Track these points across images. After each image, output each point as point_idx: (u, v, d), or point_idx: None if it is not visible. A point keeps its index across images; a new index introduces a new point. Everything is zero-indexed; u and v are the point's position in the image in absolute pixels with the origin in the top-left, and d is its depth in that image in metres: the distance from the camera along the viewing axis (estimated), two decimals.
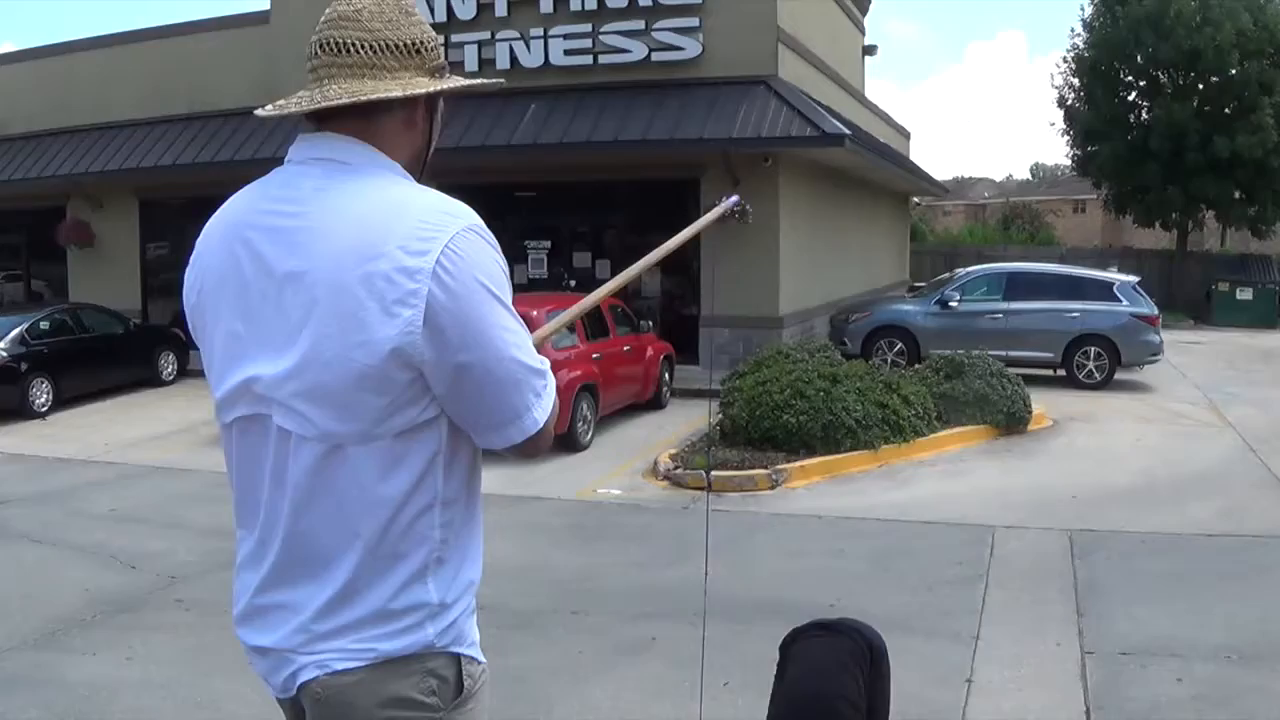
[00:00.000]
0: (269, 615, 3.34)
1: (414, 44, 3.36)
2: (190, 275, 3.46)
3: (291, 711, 3.46)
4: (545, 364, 3.34)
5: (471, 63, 29.60)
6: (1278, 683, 9.61)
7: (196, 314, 3.45)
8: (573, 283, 29.79)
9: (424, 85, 3.34)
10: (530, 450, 3.38)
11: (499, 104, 28.81)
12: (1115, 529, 14.62)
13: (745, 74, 28.14)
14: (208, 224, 3.46)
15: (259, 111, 3.48)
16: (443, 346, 3.08)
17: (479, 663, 3.48)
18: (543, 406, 3.31)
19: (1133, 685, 9.51)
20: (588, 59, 29.28)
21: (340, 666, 3.22)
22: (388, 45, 3.31)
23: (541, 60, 29.64)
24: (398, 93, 3.26)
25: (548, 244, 31.25)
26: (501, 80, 3.75)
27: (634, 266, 4.73)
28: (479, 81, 3.64)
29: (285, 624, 3.29)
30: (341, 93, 3.23)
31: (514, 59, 29.82)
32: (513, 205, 30.03)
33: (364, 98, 3.21)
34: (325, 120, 3.32)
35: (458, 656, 3.38)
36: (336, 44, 3.28)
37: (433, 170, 3.57)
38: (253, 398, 3.25)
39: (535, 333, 3.71)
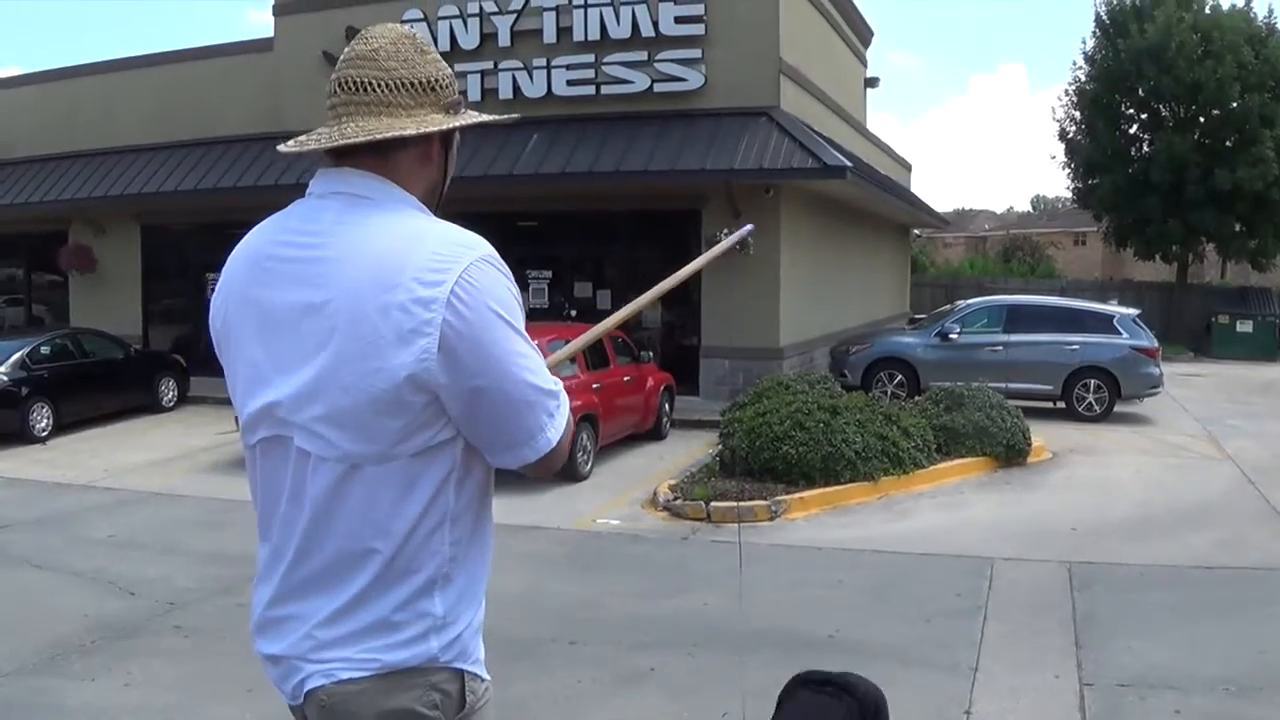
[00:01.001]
0: (282, 625, 3.43)
1: (429, 82, 3.47)
2: (216, 301, 3.57)
3: (301, 719, 3.53)
4: (558, 385, 3.42)
5: (474, 92, 29.65)
6: (1275, 715, 9.62)
7: (221, 339, 3.56)
8: (574, 312, 29.82)
9: (438, 122, 3.46)
10: (543, 469, 3.47)
11: (502, 134, 28.77)
12: (1114, 561, 14.63)
13: (747, 105, 28.20)
14: (233, 252, 3.57)
15: (280, 148, 3.63)
16: (457, 372, 3.18)
17: (482, 680, 3.55)
18: (555, 426, 3.39)
19: (1131, 717, 9.52)
20: (590, 89, 29.35)
21: (345, 675, 3.30)
22: (403, 84, 3.42)
23: (544, 90, 29.72)
24: (412, 131, 3.37)
25: (549, 274, 31.26)
26: (516, 115, 3.84)
27: (647, 294, 4.80)
28: (492, 117, 3.75)
29: (294, 632, 3.38)
30: (359, 131, 3.35)
31: (517, 89, 29.91)
32: (515, 235, 30.03)
33: (380, 136, 3.33)
34: (344, 156, 3.43)
35: (461, 672, 3.45)
36: (355, 83, 3.42)
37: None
38: (274, 421, 3.36)
39: (551, 358, 3.82)
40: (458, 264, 3.19)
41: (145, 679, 10.23)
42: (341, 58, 3.50)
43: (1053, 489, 19.76)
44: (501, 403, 3.27)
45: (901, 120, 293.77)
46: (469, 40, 30.30)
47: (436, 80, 3.49)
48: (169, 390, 29.55)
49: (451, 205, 3.64)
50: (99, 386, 27.21)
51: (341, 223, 3.31)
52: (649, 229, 30.33)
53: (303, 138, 3.49)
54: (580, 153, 28.05)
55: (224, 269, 3.57)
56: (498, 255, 3.32)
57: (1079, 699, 9.88)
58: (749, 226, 5.41)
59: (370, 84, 3.40)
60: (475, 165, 28.10)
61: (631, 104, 29.06)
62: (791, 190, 28.86)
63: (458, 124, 3.52)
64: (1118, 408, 28.35)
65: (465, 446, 3.37)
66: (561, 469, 12.30)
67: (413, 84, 3.44)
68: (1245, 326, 49.52)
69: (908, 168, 52.35)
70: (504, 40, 30.16)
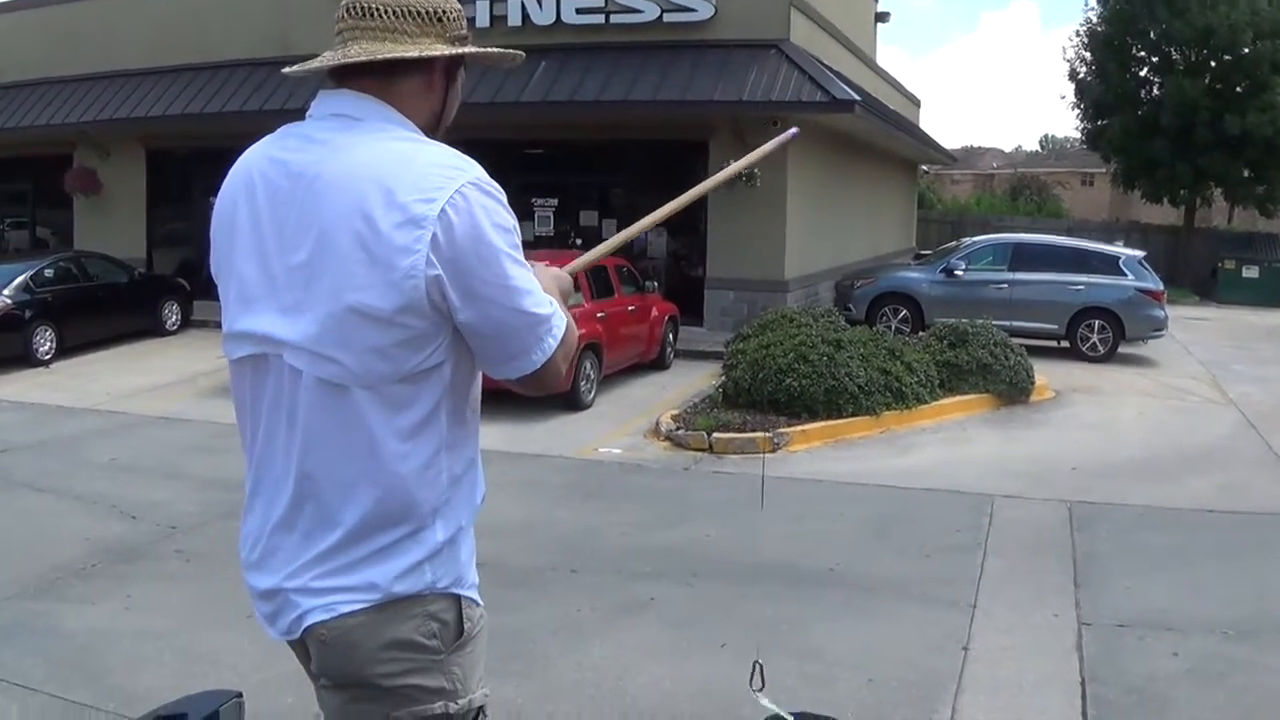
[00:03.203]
0: (275, 556, 3.43)
1: (436, 12, 3.50)
2: (214, 218, 3.59)
3: (300, 652, 3.56)
4: (552, 307, 3.42)
5: (483, 19, 29.53)
6: (1273, 658, 9.61)
7: (216, 254, 3.58)
8: (579, 240, 29.81)
9: (441, 50, 3.48)
10: (537, 386, 3.47)
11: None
12: (1115, 502, 14.63)
13: (757, 37, 28.08)
14: (231, 169, 3.59)
15: (286, 70, 3.71)
16: (447, 293, 3.20)
17: (478, 605, 3.59)
18: (543, 349, 3.38)
19: (1129, 658, 9.51)
20: (600, 18, 29.17)
21: (346, 609, 3.31)
22: (410, 11, 3.45)
23: (553, 18, 29.55)
24: (414, 54, 3.40)
25: (555, 202, 31.24)
26: (521, 54, 3.84)
27: (682, 197, 4.74)
28: (496, 51, 3.78)
29: (289, 564, 3.39)
30: (360, 53, 3.40)
31: (526, 16, 29.75)
32: (521, 162, 30.01)
33: (381, 56, 3.38)
34: (346, 79, 3.47)
35: (458, 598, 3.48)
36: (362, 8, 3.45)
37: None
38: (261, 339, 3.38)
39: (573, 263, 4.03)
40: (449, 184, 3.21)
41: (145, 603, 10.23)
42: None
43: (1055, 428, 19.78)
44: (490, 324, 3.29)
45: (911, 55, 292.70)
46: None
47: (444, 11, 3.52)
48: (172, 314, 29.57)
49: (458, 131, 3.64)
50: (102, 310, 27.21)
51: (334, 144, 3.33)
52: (655, 159, 30.26)
53: (309, 62, 3.52)
54: (588, 81, 27.95)
55: (222, 185, 3.58)
56: (490, 178, 3.34)
57: (1077, 638, 9.87)
58: (794, 130, 5.33)
59: (377, 9, 3.43)
60: (482, 91, 28.04)
61: (640, 34, 28.90)
62: (799, 123, 28.51)
63: (461, 51, 3.54)
64: (1121, 349, 28.33)
65: (455, 374, 3.40)
66: (565, 398, 12.36)
67: (419, 12, 3.47)
68: (1251, 272, 49.47)
69: (917, 104, 52.18)
70: None
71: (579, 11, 29.46)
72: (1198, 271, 52.33)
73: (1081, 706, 8.55)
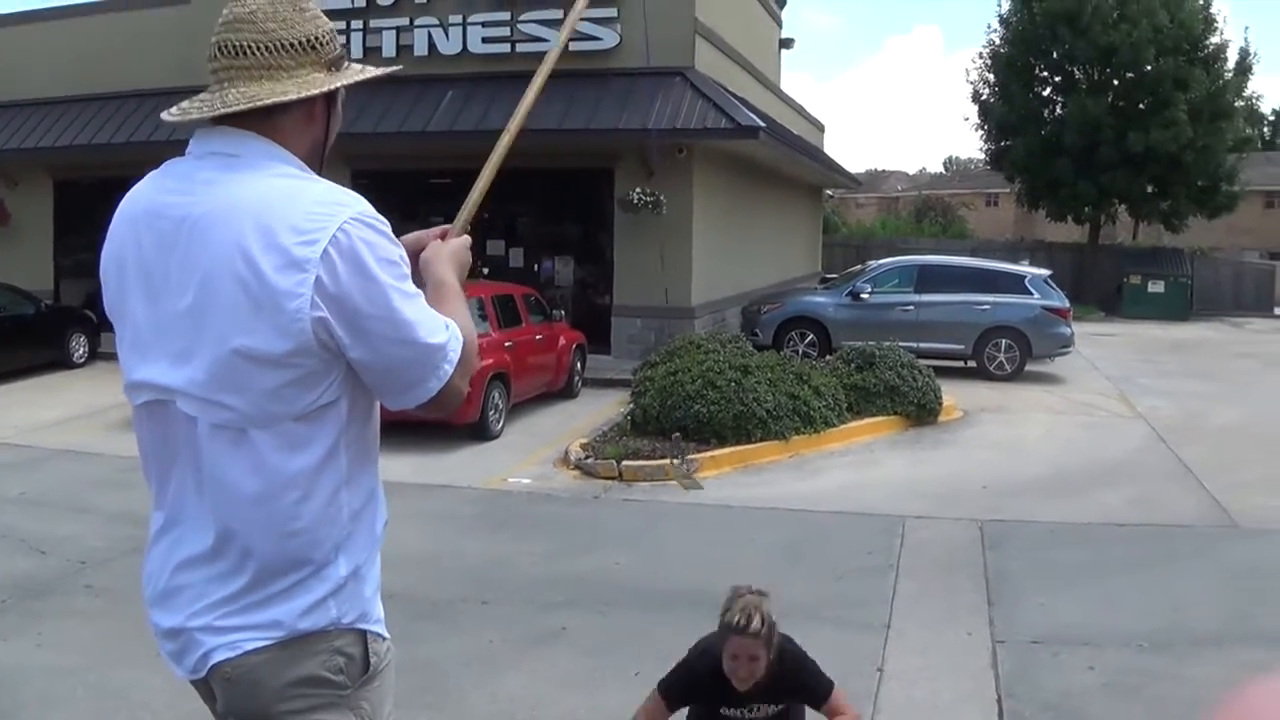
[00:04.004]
0: (179, 595, 3.38)
1: (309, 40, 3.46)
2: (103, 260, 3.52)
3: (204, 693, 3.50)
4: (447, 331, 3.38)
5: (389, 49, 29.59)
6: (1190, 669, 9.65)
7: (108, 297, 3.53)
8: (485, 270, 29.70)
9: (320, 83, 3.45)
10: (437, 408, 3.45)
11: (416, 91, 28.76)
12: (1026, 519, 14.70)
13: (662, 65, 28.09)
14: (117, 210, 3.52)
15: (164, 115, 3.56)
16: (335, 333, 3.18)
17: (384, 639, 3.56)
18: (440, 376, 3.36)
19: (1044, 674, 9.52)
20: (505, 47, 29.14)
21: (250, 646, 3.27)
22: (282, 45, 3.41)
23: (460, 48, 29.55)
24: (294, 95, 3.36)
25: (485, 270, 31.15)
26: (399, 65, 3.83)
27: (520, 107, 4.69)
28: (376, 71, 3.76)
29: (193, 603, 3.34)
30: (239, 98, 3.36)
31: (432, 46, 29.76)
32: (427, 192, 29.89)
33: (261, 102, 3.32)
34: (225, 117, 3.37)
35: (364, 633, 3.46)
36: (233, 47, 3.40)
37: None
38: (156, 387, 3.33)
39: (456, 225, 3.92)
40: (331, 223, 3.18)
41: (56, 639, 10.04)
42: (220, 20, 3.44)
43: (964, 447, 19.87)
44: (384, 358, 3.28)
45: (817, 80, 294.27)
46: None
47: (317, 38, 3.47)
48: (79, 346, 29.05)
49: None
50: (8, 342, 26.77)
51: (215, 184, 3.28)
52: (562, 188, 30.29)
53: (186, 104, 3.45)
54: (494, 110, 27.83)
55: (110, 226, 3.51)
56: (374, 211, 3.31)
57: (992, 656, 9.87)
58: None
59: (249, 47, 3.37)
60: (389, 121, 28.05)
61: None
62: (705, 150, 28.89)
63: (340, 84, 3.51)
64: (1029, 367, 28.63)
65: (351, 407, 3.37)
66: (474, 428, 12.26)
67: (292, 44, 3.41)
68: (1157, 287, 50.20)
69: (821, 128, 52.36)
70: None
71: (485, 41, 29.48)
72: (1103, 288, 52.96)
73: None
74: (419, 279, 3.67)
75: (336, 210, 3.19)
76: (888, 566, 12.59)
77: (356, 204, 3.26)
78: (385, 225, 3.30)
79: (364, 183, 28.32)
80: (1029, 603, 11.38)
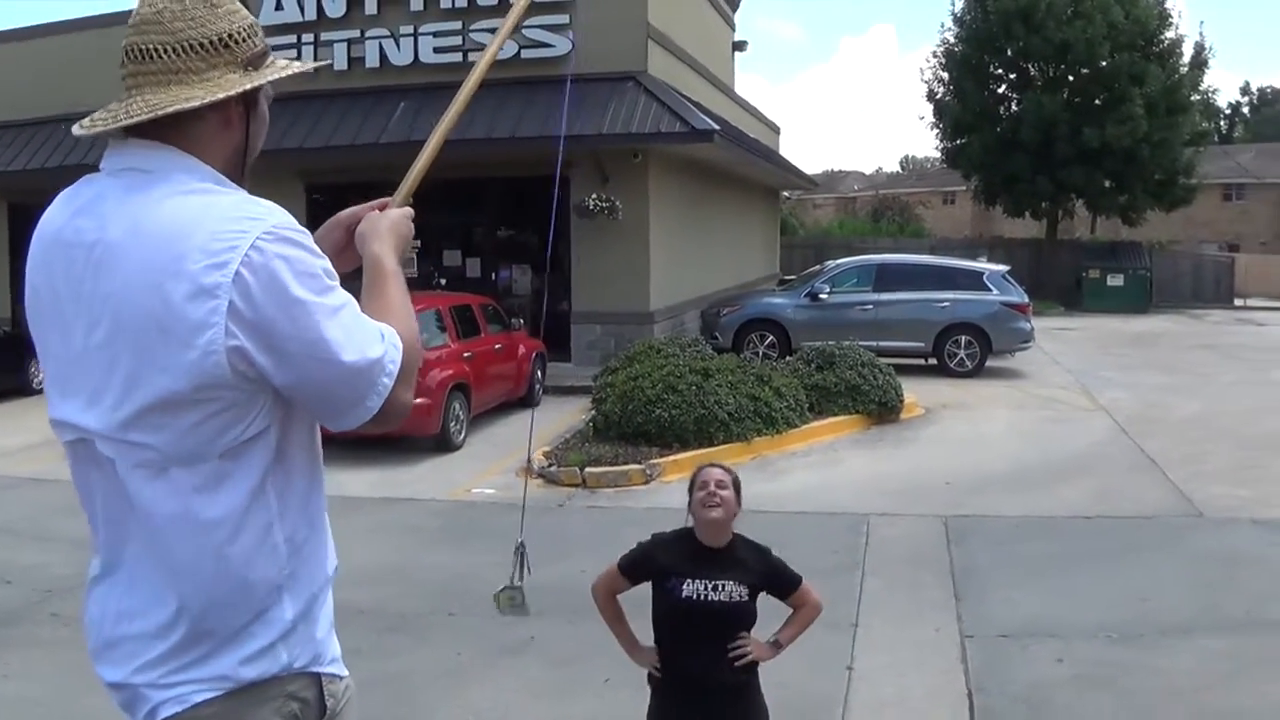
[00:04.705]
0: (119, 648, 3.21)
1: (222, 39, 3.19)
2: (26, 290, 3.32)
3: None
4: (384, 343, 3.16)
5: (341, 61, 29.44)
6: (1158, 660, 9.72)
7: (32, 329, 3.31)
8: (442, 281, 29.68)
9: (232, 84, 3.18)
10: (381, 423, 3.24)
11: (369, 102, 28.71)
12: (990, 514, 14.77)
13: (615, 70, 28.08)
14: (34, 235, 3.32)
15: (75, 129, 3.31)
16: (255, 361, 2.98)
17: (340, 679, 3.42)
18: (379, 392, 3.14)
19: (1014, 667, 9.57)
20: (457, 56, 28.99)
21: (199, 699, 3.11)
22: (192, 46, 3.15)
23: (411, 58, 29.45)
24: (198, 102, 3.09)
25: (418, 243, 30.76)
26: (327, 61, 3.63)
27: (464, 88, 4.45)
28: (297, 66, 3.46)
29: (136, 657, 3.17)
30: (143, 107, 3.10)
31: (384, 57, 29.67)
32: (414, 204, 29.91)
33: (162, 111, 3.08)
34: (137, 128, 3.14)
35: (318, 676, 3.32)
36: (140, 51, 3.16)
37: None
38: (75, 427, 3.14)
39: (398, 195, 3.83)
40: (243, 241, 2.93)
41: (24, 669, 9.94)
42: (129, 22, 3.21)
43: (926, 445, 19.96)
44: (314, 382, 3.07)
45: (771, 83, 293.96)
46: (335, 8, 29.99)
47: (231, 35, 3.21)
48: (39, 373, 28.75)
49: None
50: None
51: (123, 206, 3.06)
52: (517, 196, 30.27)
53: (96, 115, 3.21)
54: None
55: (29, 252, 3.32)
56: (292, 223, 3.07)
57: (960, 650, 9.91)
58: None
59: (156, 50, 3.13)
60: (342, 134, 28.00)
61: (499, 70, 28.62)
62: (660, 155, 28.88)
63: (256, 83, 3.25)
64: (990, 363, 28.80)
65: (283, 434, 3.18)
66: (436, 439, 12.22)
67: (203, 45, 3.15)
68: (1116, 280, 50.54)
69: (776, 130, 52.39)
70: (370, 8, 29.88)
71: (436, 51, 29.37)
72: (1062, 282, 53.21)
73: (970, 719, 8.58)
74: (354, 256, 3.60)
75: (248, 226, 2.96)
76: (853, 565, 12.62)
77: (270, 216, 3.03)
78: (305, 236, 3.08)
79: (319, 198, 28.32)
80: (996, 597, 11.44)
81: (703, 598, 5.76)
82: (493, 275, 31.00)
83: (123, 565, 3.19)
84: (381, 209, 3.74)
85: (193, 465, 3.03)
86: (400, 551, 13.45)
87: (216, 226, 2.94)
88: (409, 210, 3.78)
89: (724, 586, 5.79)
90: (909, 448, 19.75)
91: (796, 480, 17.24)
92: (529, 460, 17.25)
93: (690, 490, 5.96)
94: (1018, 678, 9.37)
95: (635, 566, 6.12)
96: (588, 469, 17.15)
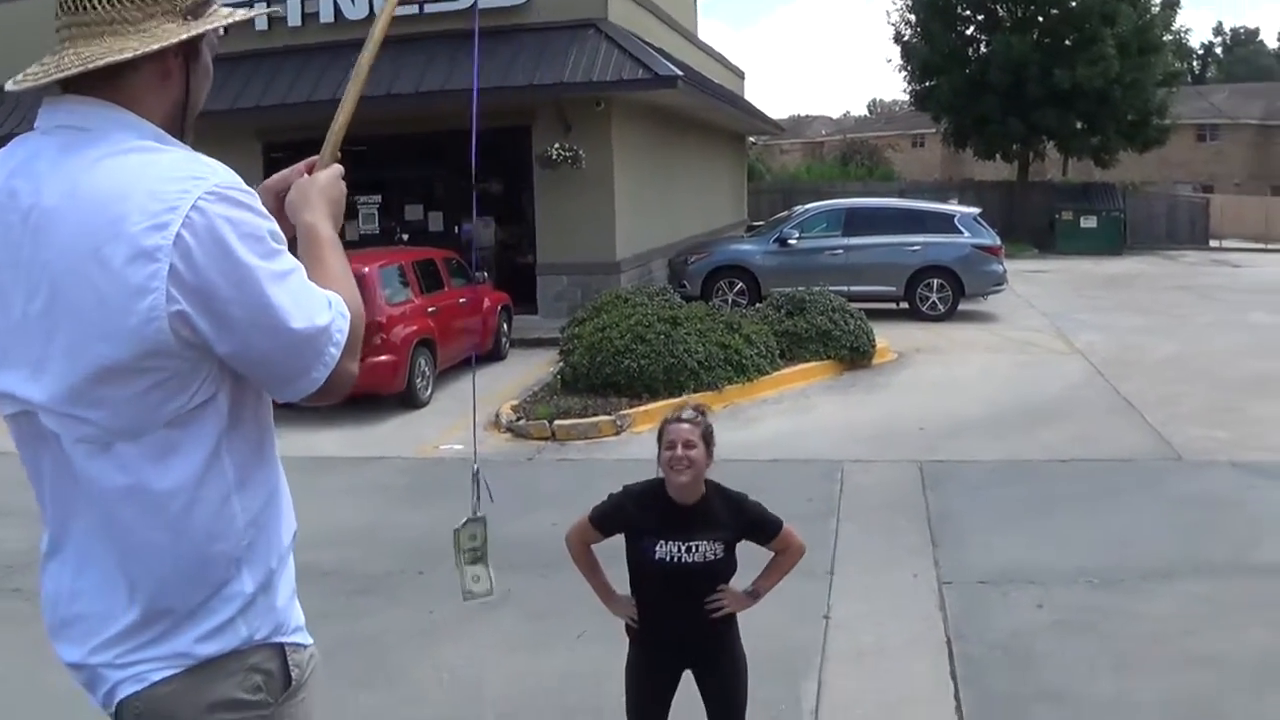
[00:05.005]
0: (75, 627, 3.14)
1: None
2: None
3: None
4: (330, 311, 3.06)
5: (295, 17, 29.18)
6: (1139, 605, 9.76)
7: None
8: (405, 236, 29.59)
9: (168, 34, 3.03)
10: (325, 396, 3.13)
11: (324, 59, 28.39)
12: (966, 459, 14.81)
13: (574, 18, 28.00)
14: None
15: (8, 85, 3.18)
16: (198, 327, 2.87)
17: (304, 648, 3.34)
18: (325, 362, 3.05)
19: (993, 614, 9.60)
20: (414, 8, 28.63)
21: (157, 677, 3.05)
22: None
23: (366, 11, 29.08)
24: (130, 53, 2.95)
25: (378, 199, 30.90)
26: (278, 9, 3.44)
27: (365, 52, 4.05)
28: (241, 13, 3.36)
29: (92, 637, 3.10)
30: (75, 60, 2.96)
31: (338, 11, 29.34)
32: (341, 160, 29.74)
33: (94, 64, 2.94)
34: (72, 83, 3.01)
35: (281, 646, 3.23)
36: (74, 2, 3.00)
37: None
38: (16, 400, 3.03)
39: (325, 150, 3.57)
40: (184, 201, 2.81)
41: None
42: None
43: (899, 389, 20.00)
44: (258, 351, 2.96)
45: (734, 28, 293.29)
46: None
47: None
48: None
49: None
50: None
51: (60, 164, 2.92)
52: (479, 148, 30.12)
53: (30, 68, 3.05)
54: (405, 73, 27.63)
55: None
56: (237, 182, 2.95)
57: (939, 598, 9.94)
58: None
59: (89, 1, 2.97)
60: (298, 91, 27.82)
61: (457, 21, 28.52)
62: (623, 102, 28.78)
63: (195, 32, 3.09)
64: (962, 306, 28.85)
65: (234, 400, 3.07)
66: (401, 396, 12.12)
67: None
68: (1089, 222, 50.60)
69: (741, 75, 52.23)
70: None
71: None
72: (1035, 224, 53.21)
73: (950, 666, 8.59)
74: (286, 226, 3.32)
75: (190, 186, 2.84)
76: (828, 512, 12.63)
77: (214, 175, 2.91)
78: (251, 196, 2.96)
79: (277, 155, 28.12)
80: (973, 543, 11.47)
81: (676, 560, 5.72)
82: (455, 229, 30.88)
83: (70, 542, 3.12)
84: (309, 169, 3.56)
85: (138, 438, 2.94)
86: (368, 511, 13.44)
87: (156, 186, 2.84)
88: (338, 169, 3.58)
89: (698, 548, 5.73)
90: (882, 393, 19.78)
91: (769, 428, 17.27)
92: (472, 364, 17.23)
93: (659, 442, 5.84)
94: (997, 624, 9.40)
95: (606, 520, 6.07)
96: (557, 422, 17.15)
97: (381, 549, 12.03)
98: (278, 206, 3.39)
